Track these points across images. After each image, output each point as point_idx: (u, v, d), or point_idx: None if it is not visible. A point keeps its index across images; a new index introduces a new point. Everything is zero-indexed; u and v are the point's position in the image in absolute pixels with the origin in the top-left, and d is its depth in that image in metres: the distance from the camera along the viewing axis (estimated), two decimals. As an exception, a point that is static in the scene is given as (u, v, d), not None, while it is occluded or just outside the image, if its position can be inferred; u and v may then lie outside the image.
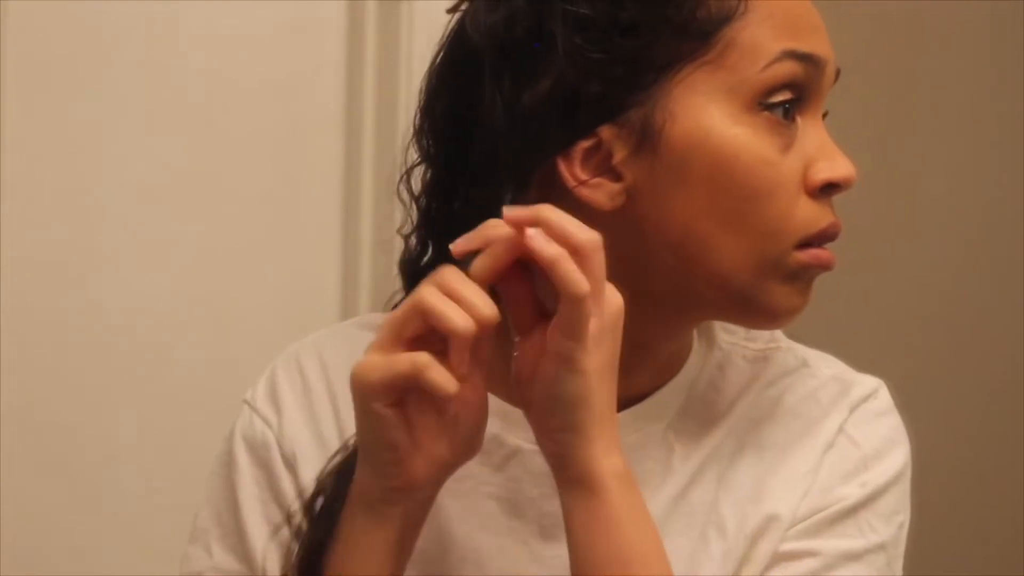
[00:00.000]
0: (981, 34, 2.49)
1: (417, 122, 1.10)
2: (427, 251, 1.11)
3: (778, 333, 1.15)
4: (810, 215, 1.04)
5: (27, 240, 1.68)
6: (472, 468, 1.07)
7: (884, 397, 1.13)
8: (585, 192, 1.03)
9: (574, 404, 0.96)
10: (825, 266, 1.06)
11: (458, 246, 0.98)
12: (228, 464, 1.15)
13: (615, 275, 1.00)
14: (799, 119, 1.04)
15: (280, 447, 1.13)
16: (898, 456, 1.10)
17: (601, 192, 1.03)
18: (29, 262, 1.69)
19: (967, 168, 2.49)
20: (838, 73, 1.08)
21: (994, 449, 2.46)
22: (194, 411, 1.78)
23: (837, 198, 1.07)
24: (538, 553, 1.08)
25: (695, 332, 1.14)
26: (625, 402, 1.08)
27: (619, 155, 1.03)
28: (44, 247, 1.70)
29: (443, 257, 1.01)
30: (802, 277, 1.05)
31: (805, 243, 1.05)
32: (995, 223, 2.52)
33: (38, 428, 1.69)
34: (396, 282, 1.88)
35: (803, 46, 1.04)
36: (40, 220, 1.70)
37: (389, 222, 1.85)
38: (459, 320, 0.95)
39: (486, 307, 0.96)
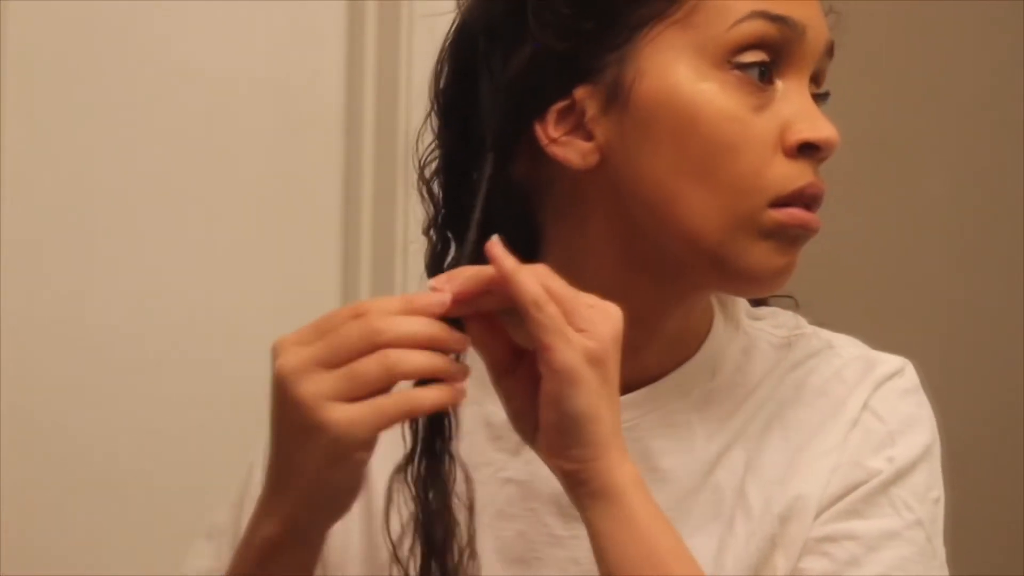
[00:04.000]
0: (981, 34, 2.49)
1: (432, 118, 1.13)
2: (448, 248, 1.12)
3: (802, 321, 1.16)
4: (785, 174, 1.04)
5: (27, 240, 1.68)
6: (488, 455, 1.09)
7: (910, 375, 1.12)
8: (557, 150, 1.05)
9: (585, 418, 0.96)
10: (803, 226, 1.05)
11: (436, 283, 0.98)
12: (249, 469, 1.17)
13: (604, 243, 1.03)
14: (779, 83, 1.05)
15: None
16: (924, 432, 1.10)
17: (572, 150, 1.05)
18: (29, 262, 1.69)
19: (967, 167, 2.50)
20: (832, 47, 1.08)
21: (995, 449, 2.46)
22: (194, 411, 1.78)
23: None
24: (557, 535, 1.08)
25: (720, 316, 1.14)
26: (639, 382, 1.09)
27: (590, 113, 1.04)
28: (44, 247, 1.70)
29: (464, 251, 1.02)
30: (780, 236, 1.04)
31: (783, 203, 1.04)
32: (996, 221, 2.52)
33: (38, 429, 1.69)
34: (394, 282, 1.88)
35: (776, 8, 1.04)
36: (40, 220, 1.70)
37: (389, 222, 1.86)
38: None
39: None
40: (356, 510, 1.06)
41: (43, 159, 1.70)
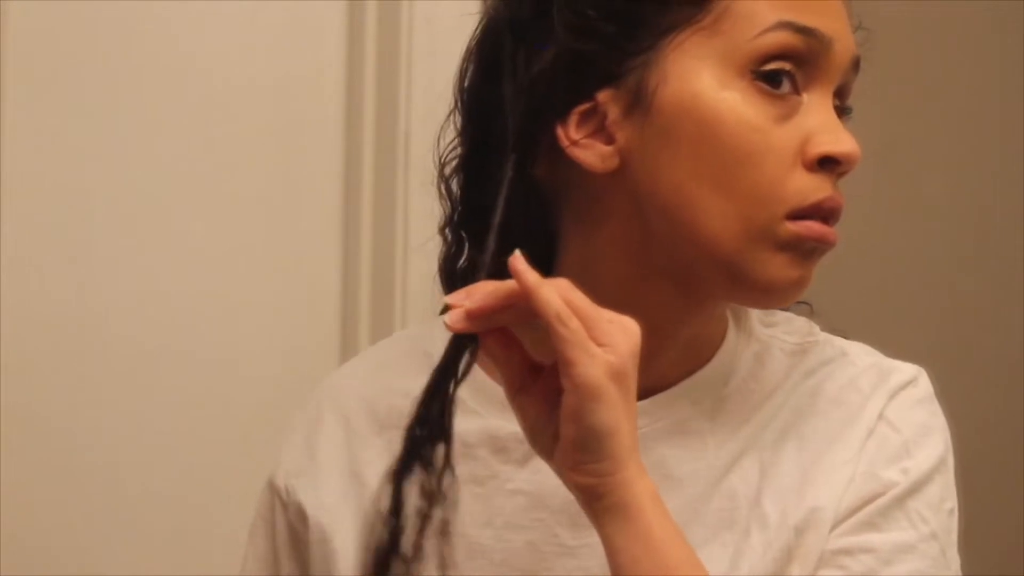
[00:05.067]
0: (981, 34, 2.49)
1: (456, 116, 1.13)
2: (463, 249, 1.12)
3: (815, 327, 1.15)
4: (804, 187, 1.03)
5: (27, 240, 1.68)
6: (494, 467, 1.09)
7: (924, 384, 1.12)
8: (577, 152, 1.05)
9: (605, 433, 0.96)
10: (819, 239, 1.04)
11: (453, 299, 0.98)
12: (256, 511, 1.19)
13: (621, 248, 1.03)
14: (804, 95, 1.04)
15: (282, 497, 1.16)
16: (938, 442, 1.09)
17: (592, 152, 1.05)
18: (29, 262, 1.69)
19: (967, 167, 2.49)
20: (858, 62, 1.07)
21: (995, 450, 2.46)
22: (194, 411, 1.78)
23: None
24: (567, 544, 1.08)
25: (732, 323, 1.13)
26: (651, 389, 1.09)
27: (612, 116, 1.04)
28: (44, 247, 1.70)
29: (484, 259, 1.02)
30: (796, 248, 1.04)
31: (800, 216, 1.04)
32: (996, 222, 2.52)
33: (38, 428, 1.69)
34: (394, 283, 1.88)
35: (803, 19, 1.04)
36: (40, 220, 1.70)
37: (389, 222, 1.86)
38: None
39: None
40: (349, 514, 1.08)
41: (43, 159, 1.70)
